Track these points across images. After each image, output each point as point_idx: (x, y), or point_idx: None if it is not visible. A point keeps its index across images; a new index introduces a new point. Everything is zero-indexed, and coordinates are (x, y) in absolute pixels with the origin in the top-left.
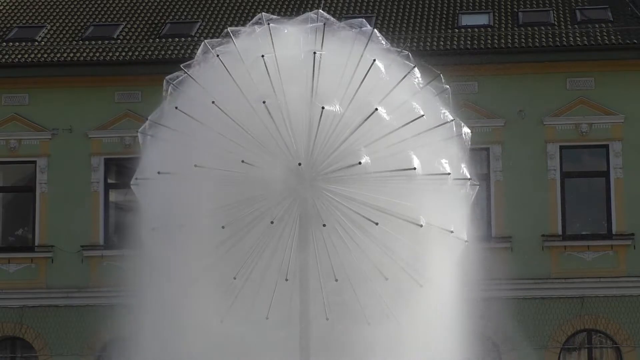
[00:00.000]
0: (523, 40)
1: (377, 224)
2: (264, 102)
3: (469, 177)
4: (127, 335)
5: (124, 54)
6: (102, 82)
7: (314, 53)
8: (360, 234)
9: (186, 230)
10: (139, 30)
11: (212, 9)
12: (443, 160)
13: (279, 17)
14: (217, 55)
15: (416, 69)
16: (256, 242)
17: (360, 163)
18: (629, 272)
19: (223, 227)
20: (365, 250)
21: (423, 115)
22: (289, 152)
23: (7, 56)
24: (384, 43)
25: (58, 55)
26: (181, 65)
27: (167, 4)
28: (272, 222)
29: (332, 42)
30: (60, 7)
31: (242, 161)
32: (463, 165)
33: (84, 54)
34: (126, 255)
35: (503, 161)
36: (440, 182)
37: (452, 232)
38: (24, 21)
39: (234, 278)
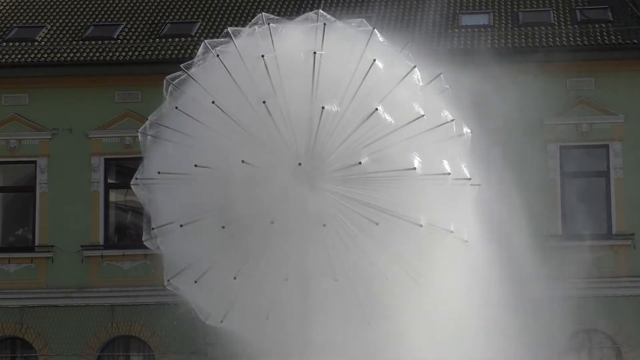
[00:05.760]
0: (523, 40)
1: (377, 224)
2: (264, 102)
3: (469, 177)
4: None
5: (124, 54)
6: (102, 82)
7: (314, 53)
8: (361, 234)
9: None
10: (139, 30)
11: (212, 9)
12: (443, 160)
13: (279, 17)
14: (217, 55)
15: (416, 69)
16: (256, 242)
17: (360, 163)
18: (629, 272)
19: (223, 227)
20: (365, 250)
21: (423, 115)
22: (289, 152)
23: (7, 56)
24: (384, 42)
25: (58, 55)
26: (181, 65)
27: (167, 4)
28: (272, 222)
29: (332, 42)
30: (60, 7)
31: (243, 161)
32: (463, 165)
33: (84, 54)
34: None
35: (503, 161)
36: (440, 182)
37: (452, 232)
38: (24, 21)
39: (234, 278)
